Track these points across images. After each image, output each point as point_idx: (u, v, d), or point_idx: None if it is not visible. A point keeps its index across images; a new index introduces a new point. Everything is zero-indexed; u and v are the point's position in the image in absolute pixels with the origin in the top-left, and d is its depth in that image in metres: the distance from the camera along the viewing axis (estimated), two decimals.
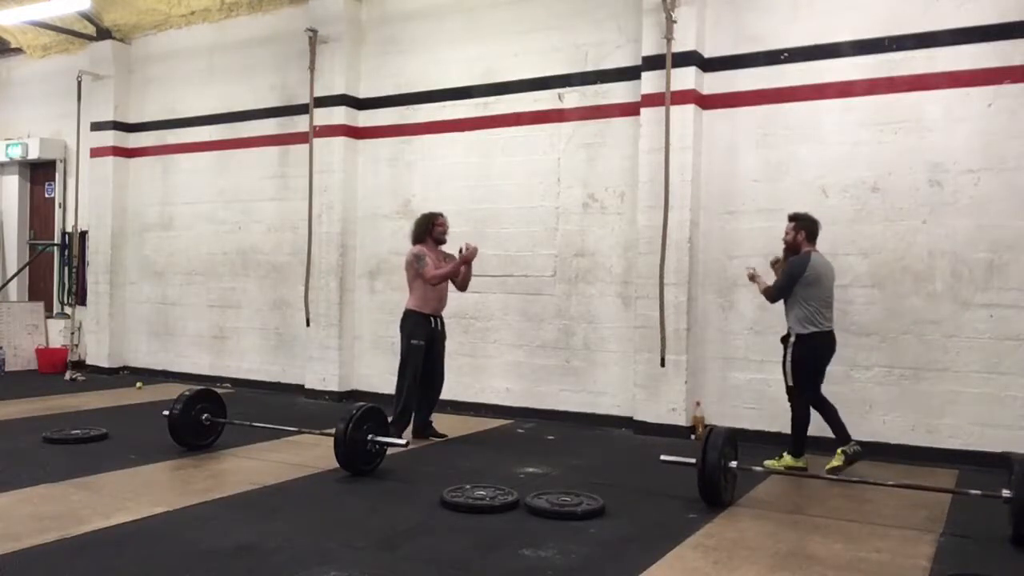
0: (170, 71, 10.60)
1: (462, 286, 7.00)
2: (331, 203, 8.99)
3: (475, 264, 8.13)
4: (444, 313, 6.98)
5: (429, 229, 6.88)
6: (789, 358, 5.82)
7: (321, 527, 4.50)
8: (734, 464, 5.08)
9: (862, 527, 4.65)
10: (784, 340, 5.92)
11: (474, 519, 4.68)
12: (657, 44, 7.19)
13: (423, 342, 6.75)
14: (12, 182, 12.09)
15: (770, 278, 6.10)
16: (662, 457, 5.30)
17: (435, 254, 6.88)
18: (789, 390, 5.89)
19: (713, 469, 4.88)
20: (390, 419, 6.25)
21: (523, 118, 8.12)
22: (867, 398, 6.55)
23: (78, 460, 5.88)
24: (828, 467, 5.60)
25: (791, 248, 5.96)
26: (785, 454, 5.87)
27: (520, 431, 7.52)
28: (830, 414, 5.83)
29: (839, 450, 5.67)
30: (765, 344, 6.89)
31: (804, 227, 5.92)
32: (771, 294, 5.96)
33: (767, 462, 5.73)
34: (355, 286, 9.10)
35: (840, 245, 6.66)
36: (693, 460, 4.99)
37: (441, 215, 7.02)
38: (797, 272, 5.80)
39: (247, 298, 9.92)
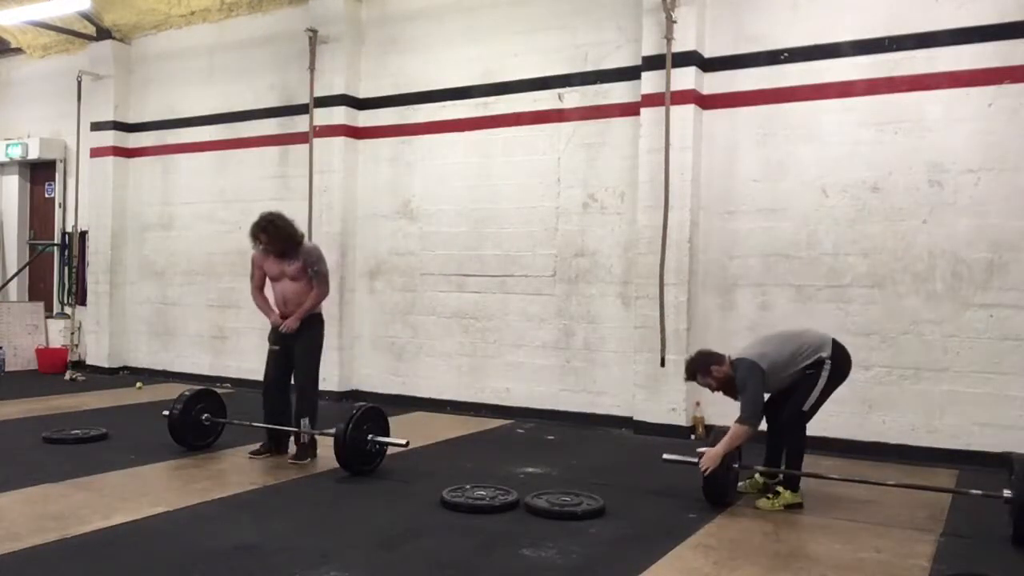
0: (170, 71, 10.60)
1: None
2: (331, 203, 8.99)
3: (475, 264, 8.29)
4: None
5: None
6: (822, 381, 5.04)
7: (321, 527, 4.50)
8: (736, 464, 5.09)
9: (862, 527, 4.65)
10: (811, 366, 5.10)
11: (474, 519, 4.68)
12: (657, 44, 7.19)
13: None
14: (12, 182, 12.08)
15: None
16: (664, 456, 5.30)
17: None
18: (800, 416, 5.07)
19: (716, 468, 4.88)
20: (307, 420, 5.90)
21: (523, 118, 8.12)
22: (867, 398, 6.55)
23: (78, 460, 5.87)
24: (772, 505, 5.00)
25: (724, 385, 5.12)
26: (783, 490, 5.02)
27: (520, 431, 7.52)
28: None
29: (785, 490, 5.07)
30: None
31: (704, 366, 5.15)
32: (751, 419, 4.89)
33: (760, 504, 4.99)
34: (355, 286, 9.11)
35: (840, 245, 6.68)
36: (696, 459, 4.99)
37: None
38: (757, 383, 4.97)
39: (247, 298, 9.72)
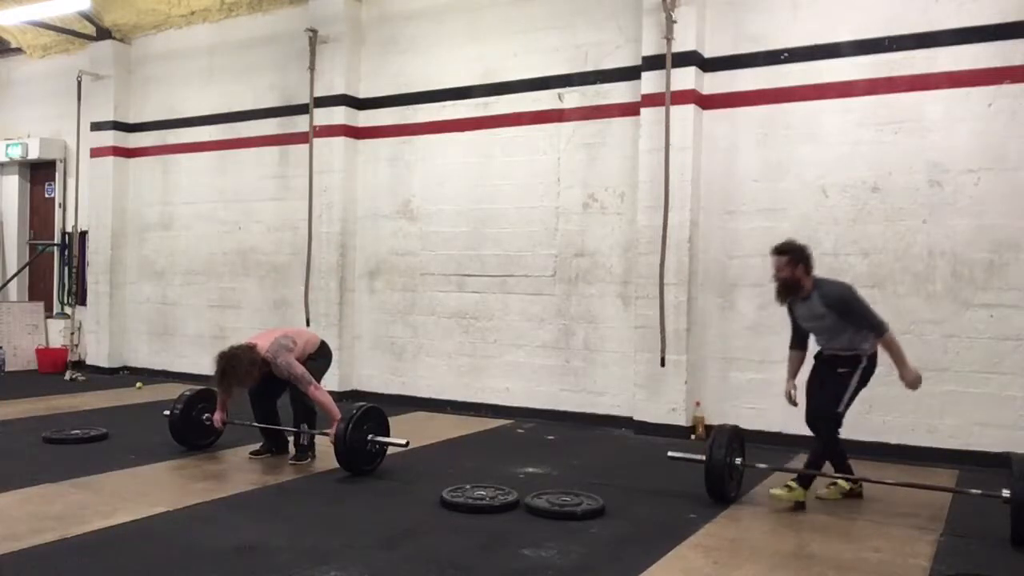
0: (170, 71, 10.60)
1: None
2: (331, 203, 8.99)
3: (475, 264, 8.28)
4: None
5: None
6: (856, 379, 5.05)
7: (321, 527, 4.50)
8: (739, 461, 5.12)
9: (862, 527, 4.65)
10: (832, 361, 5.13)
11: (474, 519, 4.68)
12: (657, 44, 7.19)
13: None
14: (12, 182, 12.09)
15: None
16: (669, 453, 5.31)
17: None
18: (835, 417, 5.08)
19: (720, 465, 4.90)
20: (306, 426, 5.93)
21: (523, 118, 8.12)
22: (867, 398, 6.45)
23: (78, 460, 5.87)
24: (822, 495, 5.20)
25: (790, 284, 5.07)
26: (795, 486, 5.01)
27: (520, 431, 7.51)
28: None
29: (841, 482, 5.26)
30: (765, 344, 6.89)
31: (803, 260, 5.05)
32: (884, 325, 5.00)
33: (775, 492, 4.98)
34: (355, 286, 9.11)
35: (840, 245, 6.67)
36: (701, 456, 5.01)
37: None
38: (860, 297, 5.12)
39: (247, 298, 9.92)
